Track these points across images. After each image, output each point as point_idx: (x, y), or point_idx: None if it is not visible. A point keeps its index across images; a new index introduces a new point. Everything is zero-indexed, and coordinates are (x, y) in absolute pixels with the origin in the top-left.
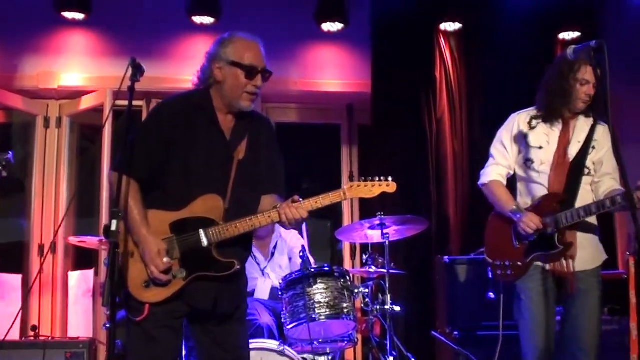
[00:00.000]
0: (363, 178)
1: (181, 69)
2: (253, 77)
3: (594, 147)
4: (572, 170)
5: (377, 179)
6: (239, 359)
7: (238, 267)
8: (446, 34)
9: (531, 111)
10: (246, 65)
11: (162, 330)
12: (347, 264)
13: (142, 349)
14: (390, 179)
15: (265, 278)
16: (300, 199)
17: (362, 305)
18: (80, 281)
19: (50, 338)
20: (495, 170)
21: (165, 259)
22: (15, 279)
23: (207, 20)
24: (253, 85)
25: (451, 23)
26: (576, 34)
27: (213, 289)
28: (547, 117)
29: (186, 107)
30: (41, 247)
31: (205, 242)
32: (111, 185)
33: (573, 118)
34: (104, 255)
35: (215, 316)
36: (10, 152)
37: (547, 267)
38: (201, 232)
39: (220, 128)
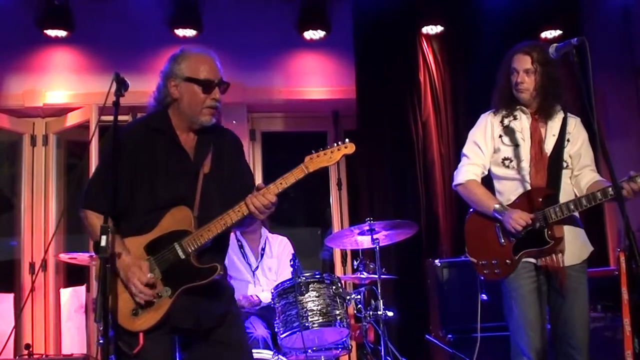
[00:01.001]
0: (321, 148)
1: None
2: (211, 91)
3: (568, 140)
4: (552, 165)
5: (335, 144)
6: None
7: (220, 271)
8: (428, 37)
9: (494, 111)
10: (202, 80)
11: (158, 350)
12: (338, 271)
13: None
14: (347, 140)
15: (255, 285)
16: (263, 185)
17: (355, 312)
18: (73, 298)
19: (44, 356)
20: (471, 170)
21: (149, 274)
22: (7, 298)
23: (190, 32)
24: (212, 99)
25: (433, 26)
26: (558, 32)
27: (193, 305)
28: (507, 114)
29: (145, 133)
30: (32, 265)
31: (182, 254)
32: (85, 224)
33: (538, 112)
34: (94, 271)
35: (201, 332)
36: None
37: (539, 262)
38: (176, 245)
39: (183, 148)
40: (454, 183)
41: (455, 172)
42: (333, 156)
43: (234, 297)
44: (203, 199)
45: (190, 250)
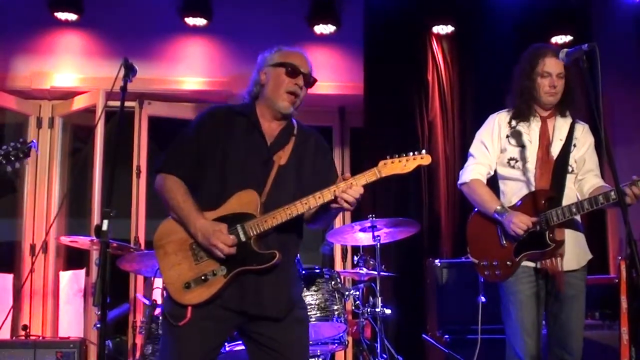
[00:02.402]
0: (396, 155)
1: (174, 70)
2: (295, 76)
3: (574, 145)
4: (557, 168)
5: (411, 153)
6: None
7: (279, 259)
8: (439, 37)
9: (509, 111)
10: (289, 63)
11: (199, 337)
12: (337, 266)
13: (175, 352)
14: (424, 151)
15: None
16: (349, 175)
17: (353, 308)
18: (72, 281)
19: (41, 338)
20: (476, 169)
21: (231, 236)
22: (7, 279)
23: (200, 21)
24: (294, 83)
25: (444, 26)
26: (569, 38)
27: (250, 287)
28: (523, 116)
29: (227, 113)
30: (33, 247)
31: (243, 236)
32: (157, 187)
33: (550, 116)
34: (95, 255)
35: (258, 319)
36: (34, 141)
37: (538, 265)
38: (238, 226)
39: (262, 133)
40: (459, 182)
41: (461, 171)
42: (408, 165)
43: (301, 301)
44: (274, 187)
45: (252, 234)
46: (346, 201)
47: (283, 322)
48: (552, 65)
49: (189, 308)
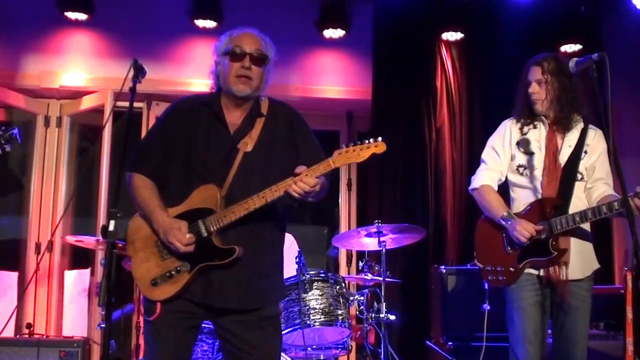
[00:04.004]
0: (352, 143)
1: (182, 72)
2: (240, 59)
3: (586, 152)
4: (565, 176)
5: (367, 141)
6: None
7: (239, 253)
8: (448, 43)
9: (518, 119)
10: (232, 49)
11: (169, 330)
12: (342, 271)
13: (151, 346)
14: (380, 138)
15: None
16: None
17: (357, 313)
18: (77, 280)
19: (44, 336)
20: (487, 175)
21: (187, 235)
22: (12, 277)
23: (210, 24)
24: (241, 66)
25: (453, 32)
26: (578, 47)
27: (215, 281)
28: (528, 124)
29: (192, 106)
30: (38, 246)
31: (204, 232)
32: (127, 186)
33: (556, 123)
34: (100, 255)
35: (227, 314)
36: (16, 128)
37: (541, 272)
38: (200, 222)
39: (225, 122)
40: (470, 187)
41: (472, 177)
42: (362, 154)
43: (272, 296)
44: (237, 177)
45: (212, 230)
46: (297, 193)
47: (251, 321)
48: (531, 73)
49: (158, 304)
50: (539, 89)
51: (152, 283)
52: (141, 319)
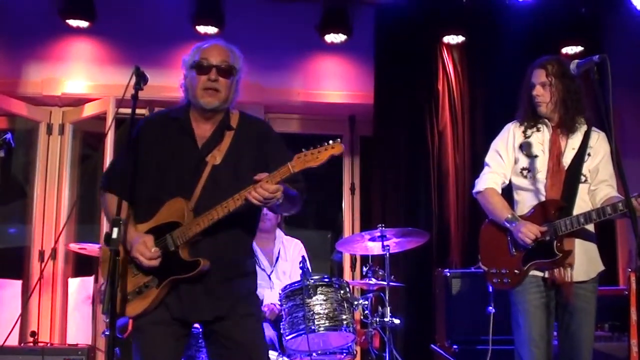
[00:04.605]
0: (311, 147)
1: None
2: (206, 72)
3: (589, 154)
4: (569, 178)
5: (325, 143)
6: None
7: (204, 265)
8: (449, 46)
9: (522, 122)
10: (198, 62)
11: (149, 340)
12: (346, 276)
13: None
14: (339, 140)
15: (271, 289)
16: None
17: (362, 318)
18: (80, 288)
19: (49, 344)
20: (491, 178)
21: (153, 249)
22: (15, 285)
23: (211, 29)
24: (207, 79)
25: (454, 36)
26: (579, 49)
27: (186, 295)
28: (532, 127)
29: (161, 121)
30: (41, 253)
31: (172, 246)
32: (102, 205)
33: (559, 126)
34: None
35: (206, 322)
36: (9, 133)
37: (546, 274)
38: (167, 236)
39: (193, 135)
40: (474, 190)
41: (476, 180)
42: (320, 156)
43: (247, 298)
44: (206, 190)
45: (179, 243)
46: (257, 200)
47: (230, 320)
48: (535, 76)
49: (130, 320)
50: (543, 91)
51: (123, 299)
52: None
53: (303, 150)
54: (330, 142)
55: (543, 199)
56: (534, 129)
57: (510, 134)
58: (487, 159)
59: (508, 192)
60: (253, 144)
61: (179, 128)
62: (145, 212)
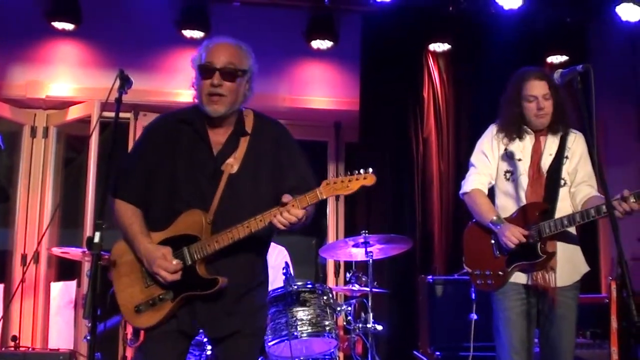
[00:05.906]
0: (341, 174)
1: (169, 82)
2: (209, 76)
3: (567, 157)
4: (549, 182)
5: (356, 172)
6: None
7: (222, 283)
8: (435, 54)
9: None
10: (201, 65)
11: (158, 347)
12: (330, 282)
13: None
14: (370, 170)
15: None
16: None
17: (345, 324)
18: (63, 292)
19: (30, 349)
20: (477, 179)
21: (174, 261)
22: None
23: (197, 34)
24: (210, 84)
25: (440, 43)
26: (564, 58)
27: (201, 312)
28: (514, 138)
29: (173, 124)
30: (24, 257)
31: (188, 260)
32: (116, 213)
33: (543, 134)
34: (86, 267)
35: (213, 339)
36: None
37: (529, 282)
38: (185, 249)
39: (208, 141)
40: (461, 191)
41: (462, 181)
42: (351, 186)
43: (257, 312)
44: (224, 201)
45: (196, 258)
46: (282, 224)
47: (228, 340)
48: (536, 88)
49: (141, 332)
50: (547, 103)
51: (136, 310)
52: (128, 331)
53: (332, 176)
54: (362, 171)
55: (525, 202)
56: (516, 139)
57: (494, 137)
58: (473, 159)
59: (491, 197)
60: (268, 150)
61: (192, 133)
62: (158, 221)
